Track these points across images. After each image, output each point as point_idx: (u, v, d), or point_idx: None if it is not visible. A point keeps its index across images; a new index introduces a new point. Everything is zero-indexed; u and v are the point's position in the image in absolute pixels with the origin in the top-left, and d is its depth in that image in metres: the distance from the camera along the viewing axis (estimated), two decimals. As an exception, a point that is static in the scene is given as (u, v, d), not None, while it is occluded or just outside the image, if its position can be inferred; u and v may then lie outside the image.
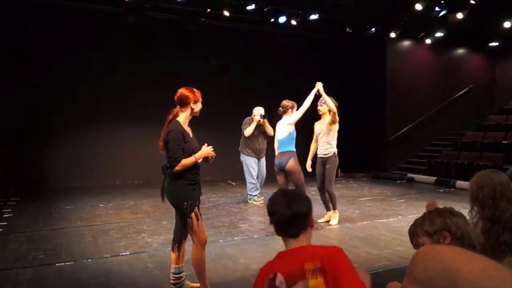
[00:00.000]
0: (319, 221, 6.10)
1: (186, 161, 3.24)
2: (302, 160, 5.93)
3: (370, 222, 6.19)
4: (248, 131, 7.41)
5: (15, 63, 9.02)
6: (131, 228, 5.83)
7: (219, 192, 8.69)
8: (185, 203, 3.28)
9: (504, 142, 10.25)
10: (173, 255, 3.49)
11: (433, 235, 1.60)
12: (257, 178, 7.63)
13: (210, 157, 3.43)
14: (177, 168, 3.22)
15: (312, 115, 6.10)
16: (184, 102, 3.38)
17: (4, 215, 6.70)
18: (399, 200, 8.00)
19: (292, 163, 5.56)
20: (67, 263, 4.34)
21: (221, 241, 5.19)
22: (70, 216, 6.63)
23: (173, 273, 3.48)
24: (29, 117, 9.17)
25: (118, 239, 5.29)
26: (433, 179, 10.19)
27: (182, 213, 3.33)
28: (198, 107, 3.43)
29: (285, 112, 5.81)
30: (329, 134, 5.87)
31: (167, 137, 3.27)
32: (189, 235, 3.42)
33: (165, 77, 9.41)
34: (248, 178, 7.60)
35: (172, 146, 3.23)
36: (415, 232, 1.67)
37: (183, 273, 3.52)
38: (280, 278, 1.65)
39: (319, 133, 5.98)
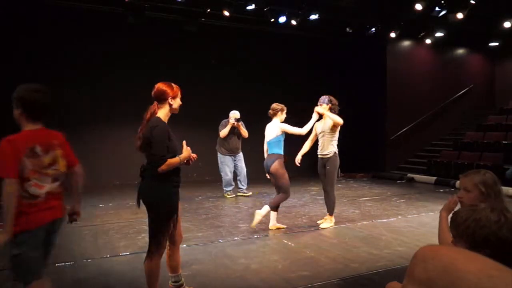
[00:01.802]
0: (318, 222, 6.10)
1: (172, 161, 3.00)
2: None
3: (370, 222, 6.19)
4: (223, 132, 8.07)
5: (15, 63, 9.02)
6: (131, 228, 5.83)
7: (218, 192, 8.69)
8: (167, 207, 3.05)
9: (504, 142, 10.25)
10: (169, 264, 3.38)
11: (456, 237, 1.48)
12: (236, 174, 8.37)
13: (192, 158, 3.21)
14: (163, 167, 2.95)
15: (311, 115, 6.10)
16: (161, 98, 3.14)
17: (4, 215, 6.69)
18: (399, 200, 8.00)
19: (275, 166, 5.47)
20: (67, 263, 4.34)
21: (221, 241, 5.19)
22: (70, 216, 6.62)
23: (173, 282, 3.41)
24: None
25: (118, 239, 5.29)
26: (433, 179, 10.19)
27: (160, 217, 3.06)
28: (176, 103, 3.18)
29: (275, 114, 5.74)
30: (330, 134, 5.81)
31: (151, 134, 2.98)
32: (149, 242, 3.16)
33: (165, 77, 9.32)
34: (223, 175, 8.29)
35: (158, 144, 2.96)
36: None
37: (182, 280, 3.47)
38: (38, 147, 2.52)
39: (320, 133, 5.92)
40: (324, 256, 4.52)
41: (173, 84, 3.23)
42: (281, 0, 9.68)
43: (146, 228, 3.16)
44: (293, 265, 4.24)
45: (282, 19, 10.06)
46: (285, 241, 5.15)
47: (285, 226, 5.80)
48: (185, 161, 3.16)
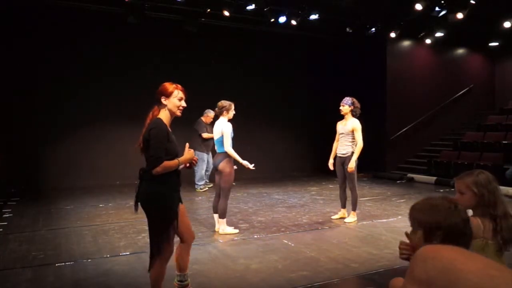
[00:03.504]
0: (332, 217, 6.30)
1: (170, 163, 2.86)
2: (325, 159, 6.35)
3: (370, 222, 6.19)
4: (207, 135, 8.50)
5: (15, 63, 9.02)
6: (131, 228, 5.83)
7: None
8: (166, 212, 2.93)
9: (504, 142, 10.25)
10: (177, 262, 3.32)
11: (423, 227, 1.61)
12: (206, 169, 8.97)
13: (194, 161, 3.10)
14: (158, 169, 2.81)
15: (336, 115, 6.27)
16: (157, 98, 3.01)
17: (4, 215, 6.69)
18: (399, 200, 8.00)
19: (223, 164, 5.33)
20: (67, 263, 4.34)
21: (221, 241, 5.19)
22: (70, 216, 6.63)
23: (178, 281, 3.35)
24: (29, 117, 9.17)
25: (118, 239, 5.29)
26: (433, 179, 10.19)
27: (159, 222, 2.94)
28: (171, 103, 2.99)
29: (221, 112, 5.51)
30: (349, 135, 6.07)
31: (149, 134, 2.87)
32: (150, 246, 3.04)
33: (165, 78, 9.34)
34: (198, 170, 8.84)
35: (155, 145, 2.83)
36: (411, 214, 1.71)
37: (188, 280, 3.44)
38: None
39: (341, 133, 6.17)
40: (324, 256, 4.52)
41: (171, 84, 3.05)
42: (281, 0, 9.68)
43: (146, 228, 3.14)
44: (293, 265, 4.23)
45: (282, 19, 10.05)
46: (285, 241, 5.14)
47: (237, 231, 5.55)
48: (187, 165, 3.07)
